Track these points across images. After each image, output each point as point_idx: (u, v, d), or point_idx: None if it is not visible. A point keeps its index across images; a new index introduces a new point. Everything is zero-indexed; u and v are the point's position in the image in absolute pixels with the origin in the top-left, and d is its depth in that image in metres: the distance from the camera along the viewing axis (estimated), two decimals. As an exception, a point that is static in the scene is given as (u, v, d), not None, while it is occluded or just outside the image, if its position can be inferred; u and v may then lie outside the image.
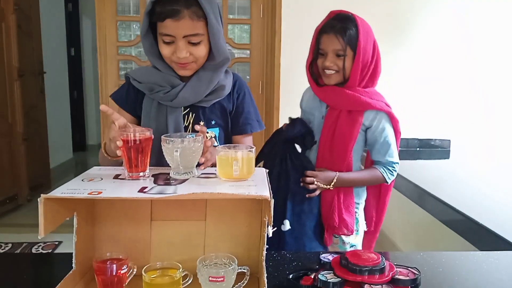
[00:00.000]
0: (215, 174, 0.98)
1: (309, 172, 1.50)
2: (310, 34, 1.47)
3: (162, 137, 0.96)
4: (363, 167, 1.62)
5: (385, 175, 1.52)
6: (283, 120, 3.28)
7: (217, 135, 1.30)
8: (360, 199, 1.61)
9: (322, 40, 1.45)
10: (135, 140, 0.95)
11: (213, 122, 1.29)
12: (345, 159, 1.50)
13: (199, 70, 1.25)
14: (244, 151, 0.93)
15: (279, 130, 1.65)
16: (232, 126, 1.33)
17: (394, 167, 1.53)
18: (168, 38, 1.16)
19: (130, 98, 1.30)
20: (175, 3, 1.11)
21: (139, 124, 1.29)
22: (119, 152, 0.96)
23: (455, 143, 3.10)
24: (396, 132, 1.53)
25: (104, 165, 1.14)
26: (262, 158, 1.62)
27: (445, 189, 2.24)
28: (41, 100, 4.17)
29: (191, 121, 1.27)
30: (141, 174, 0.96)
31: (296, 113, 1.64)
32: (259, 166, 1.51)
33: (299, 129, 1.56)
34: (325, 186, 1.50)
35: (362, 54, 1.41)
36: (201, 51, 1.19)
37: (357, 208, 1.58)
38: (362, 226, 1.62)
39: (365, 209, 1.64)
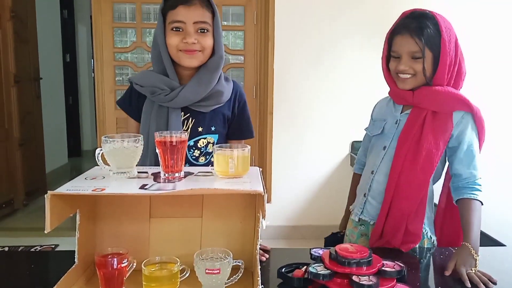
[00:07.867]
0: (211, 172, 1.03)
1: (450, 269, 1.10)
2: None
3: (102, 137, 0.97)
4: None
5: (478, 198, 1.22)
6: (276, 125, 3.34)
7: (215, 141, 1.35)
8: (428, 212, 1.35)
9: (394, 42, 1.27)
10: (171, 142, 0.98)
11: (213, 129, 1.35)
12: (430, 174, 1.27)
13: (199, 71, 1.30)
14: (239, 150, 0.98)
15: None
16: (231, 131, 1.40)
17: (479, 184, 1.24)
18: (178, 24, 1.24)
19: (134, 103, 1.35)
20: None
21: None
22: None
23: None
24: (480, 136, 1.30)
25: None
26: None
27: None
28: (37, 106, 4.19)
29: (190, 126, 1.32)
30: (176, 175, 0.99)
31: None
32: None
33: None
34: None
35: (448, 54, 1.23)
36: (208, 41, 1.27)
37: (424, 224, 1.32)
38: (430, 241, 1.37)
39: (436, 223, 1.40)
